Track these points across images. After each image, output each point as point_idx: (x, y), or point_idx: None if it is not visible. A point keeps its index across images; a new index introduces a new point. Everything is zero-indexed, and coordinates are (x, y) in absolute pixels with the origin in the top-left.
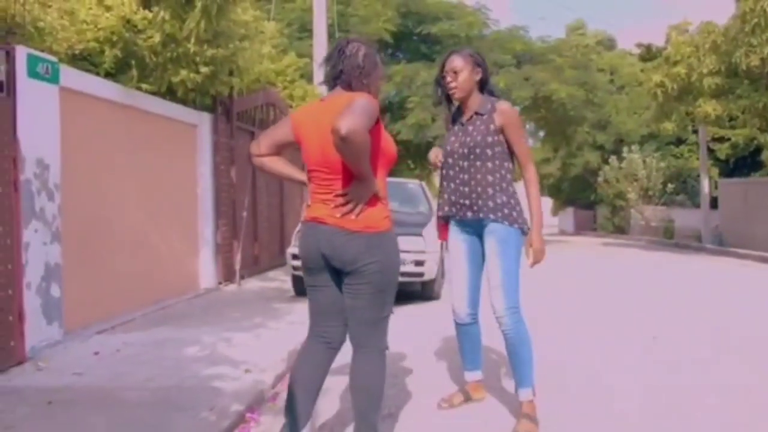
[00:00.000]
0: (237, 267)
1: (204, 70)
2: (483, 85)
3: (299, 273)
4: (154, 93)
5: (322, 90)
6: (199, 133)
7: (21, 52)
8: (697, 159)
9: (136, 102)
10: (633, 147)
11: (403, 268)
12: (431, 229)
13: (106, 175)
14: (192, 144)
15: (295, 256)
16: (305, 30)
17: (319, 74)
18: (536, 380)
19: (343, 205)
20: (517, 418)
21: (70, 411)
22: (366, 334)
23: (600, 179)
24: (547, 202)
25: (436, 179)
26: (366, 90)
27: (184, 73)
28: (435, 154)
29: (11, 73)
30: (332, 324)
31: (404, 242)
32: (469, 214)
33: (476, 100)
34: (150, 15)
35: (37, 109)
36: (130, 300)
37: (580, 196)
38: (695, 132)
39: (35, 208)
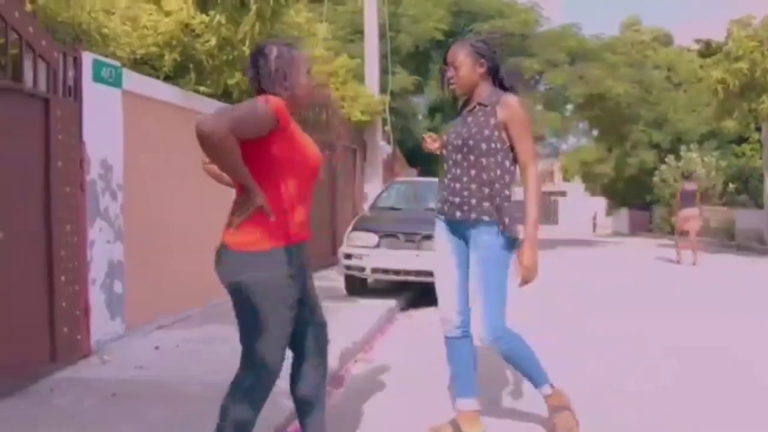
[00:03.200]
0: None
1: None
2: (495, 75)
3: (352, 273)
4: (210, 95)
5: (374, 90)
6: None
7: (87, 58)
8: (760, 158)
9: (193, 104)
10: (691, 146)
11: None
12: None
13: (165, 175)
14: None
15: (347, 256)
16: (356, 31)
17: (370, 73)
18: (552, 374)
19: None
20: (549, 414)
21: (134, 403)
22: (246, 355)
23: (656, 179)
24: (601, 203)
25: None
26: (289, 93)
27: (239, 75)
28: (431, 139)
29: (78, 78)
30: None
31: None
32: (458, 213)
33: (483, 92)
34: (207, 19)
35: (102, 112)
36: (187, 297)
37: (636, 197)
38: (758, 130)
39: (100, 208)
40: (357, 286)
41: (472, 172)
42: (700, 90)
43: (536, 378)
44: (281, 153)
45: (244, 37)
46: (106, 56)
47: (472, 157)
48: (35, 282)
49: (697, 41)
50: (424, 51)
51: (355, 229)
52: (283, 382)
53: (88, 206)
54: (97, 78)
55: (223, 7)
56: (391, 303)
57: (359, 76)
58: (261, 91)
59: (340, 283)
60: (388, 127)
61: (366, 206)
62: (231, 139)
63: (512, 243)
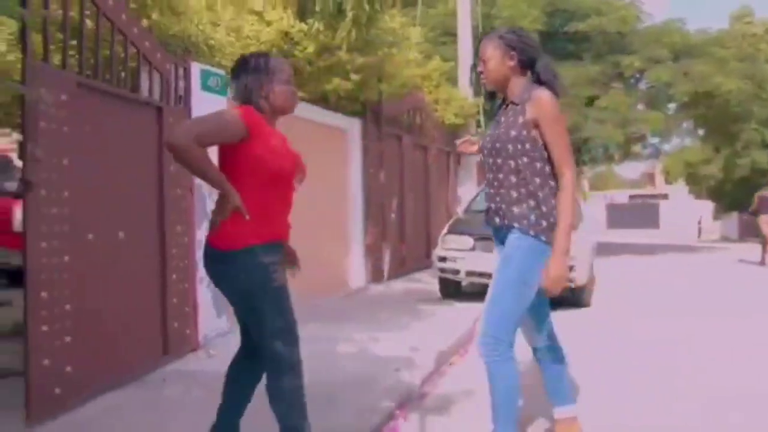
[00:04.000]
0: (385, 268)
1: (354, 77)
2: (530, 69)
3: (446, 275)
4: (308, 101)
5: (468, 93)
6: (349, 137)
7: (195, 68)
8: None
9: None
10: None
11: None
12: (580, 232)
13: None
14: (343, 148)
15: (442, 259)
16: (449, 34)
17: (463, 76)
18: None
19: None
20: None
21: None
22: (264, 350)
23: None
24: (707, 206)
25: (584, 182)
26: (265, 100)
27: (336, 80)
28: (468, 143)
29: (187, 87)
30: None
31: None
32: (497, 220)
33: (516, 88)
34: (305, 27)
35: None
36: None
37: (746, 200)
38: None
39: (207, 210)
40: (451, 289)
41: (502, 175)
42: None
43: (500, 416)
44: (254, 159)
45: (341, 42)
46: (212, 66)
47: (499, 160)
48: (150, 279)
49: None
50: None
51: (450, 232)
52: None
53: (196, 208)
54: (205, 87)
55: (321, 14)
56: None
57: (452, 79)
58: (246, 101)
59: (434, 286)
60: (481, 129)
61: (460, 209)
62: (196, 150)
63: (543, 245)
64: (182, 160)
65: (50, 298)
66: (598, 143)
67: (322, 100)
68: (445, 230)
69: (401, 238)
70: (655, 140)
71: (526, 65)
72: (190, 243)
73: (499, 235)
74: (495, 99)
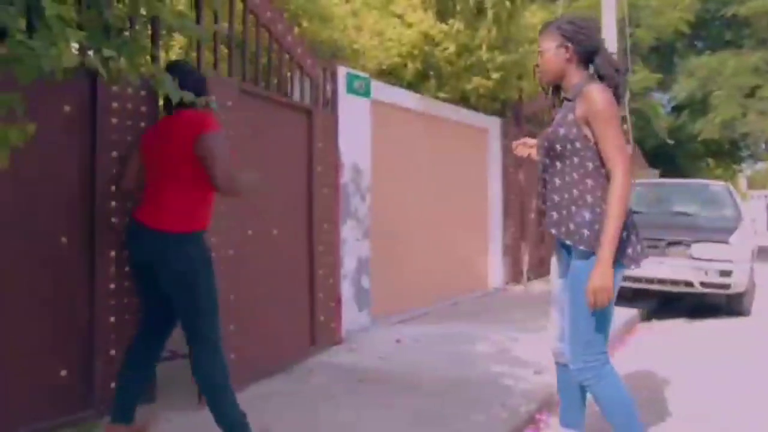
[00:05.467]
0: (524, 268)
1: (495, 75)
2: (590, 62)
3: None
4: (449, 101)
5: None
6: (489, 137)
7: (341, 72)
8: None
9: (433, 110)
10: None
11: (706, 278)
12: (740, 236)
13: (407, 178)
14: (483, 148)
15: None
16: None
17: None
18: None
19: None
20: None
21: (377, 390)
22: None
23: None
24: None
25: (742, 181)
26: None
27: (476, 80)
28: (524, 146)
29: (334, 91)
30: None
31: (707, 250)
32: (553, 230)
33: (572, 82)
34: (446, 27)
35: (353, 120)
36: (426, 294)
37: None
38: None
39: (351, 209)
40: None
41: (555, 177)
42: None
43: (628, 429)
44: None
45: (481, 42)
46: (357, 69)
47: (547, 160)
48: (300, 274)
49: None
50: (668, 44)
51: None
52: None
53: (341, 207)
54: (350, 90)
55: (462, 14)
56: (632, 312)
57: None
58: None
59: None
60: (626, 127)
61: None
62: (241, 182)
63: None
64: (241, 190)
65: (220, 289)
66: (759, 137)
67: (462, 100)
68: None
69: (541, 238)
70: None
71: (584, 59)
72: (335, 240)
73: (562, 243)
74: (560, 93)
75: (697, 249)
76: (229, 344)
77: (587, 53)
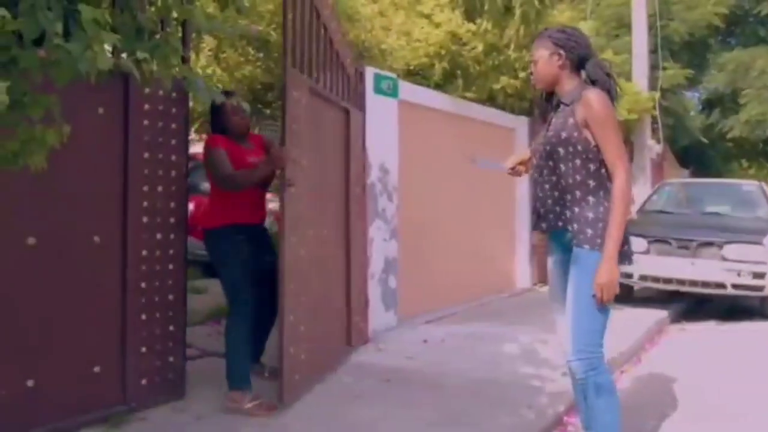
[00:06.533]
0: None
1: (522, 75)
2: (581, 69)
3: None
4: (476, 100)
5: (642, 86)
6: (516, 136)
7: (369, 73)
8: None
9: (460, 110)
10: None
11: (738, 280)
12: None
13: (434, 178)
14: (510, 147)
15: None
16: (622, 26)
17: (638, 68)
18: None
19: None
20: None
21: (404, 390)
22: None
23: None
24: None
25: None
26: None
27: (504, 79)
28: (516, 167)
29: (362, 91)
30: None
31: (739, 251)
32: (543, 225)
33: (566, 88)
34: (473, 27)
35: (381, 120)
36: (453, 295)
37: None
38: None
39: (378, 208)
40: (623, 294)
41: (557, 180)
42: None
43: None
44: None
45: (508, 41)
46: (384, 70)
47: (551, 163)
48: (341, 275)
49: None
50: (700, 40)
51: None
52: (548, 388)
53: (369, 207)
54: (378, 90)
55: (490, 14)
56: (662, 314)
57: (625, 73)
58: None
59: None
60: (657, 125)
61: (633, 210)
62: (238, 177)
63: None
64: (239, 185)
65: (295, 290)
66: None
67: (490, 99)
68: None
69: None
70: None
71: (576, 65)
72: (365, 240)
73: (561, 242)
74: (552, 99)
75: (729, 250)
76: (301, 345)
77: (579, 59)
